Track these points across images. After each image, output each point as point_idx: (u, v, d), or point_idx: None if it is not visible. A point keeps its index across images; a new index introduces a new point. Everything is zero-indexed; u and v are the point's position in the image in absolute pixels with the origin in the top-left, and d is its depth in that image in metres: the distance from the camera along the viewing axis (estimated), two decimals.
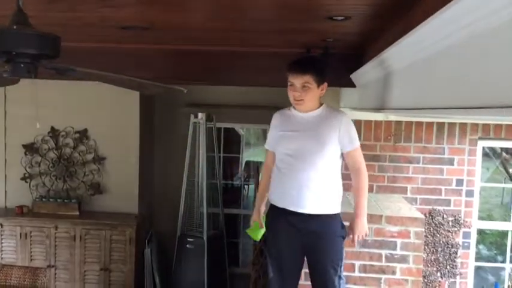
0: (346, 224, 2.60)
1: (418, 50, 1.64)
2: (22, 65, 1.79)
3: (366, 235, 2.56)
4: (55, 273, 5.10)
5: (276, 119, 2.64)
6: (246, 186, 7.08)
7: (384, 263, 3.18)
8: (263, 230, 2.69)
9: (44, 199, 5.31)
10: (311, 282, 2.59)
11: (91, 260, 5.10)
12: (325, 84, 2.45)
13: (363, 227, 2.51)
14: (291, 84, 2.44)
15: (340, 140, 2.44)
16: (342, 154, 2.51)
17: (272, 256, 2.62)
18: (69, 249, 5.09)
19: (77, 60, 2.10)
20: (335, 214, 2.49)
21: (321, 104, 2.52)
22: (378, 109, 2.51)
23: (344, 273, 2.67)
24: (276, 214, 2.56)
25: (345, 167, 2.58)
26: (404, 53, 1.83)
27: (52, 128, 5.34)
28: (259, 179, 2.87)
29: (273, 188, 2.60)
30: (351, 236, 2.51)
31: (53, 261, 5.09)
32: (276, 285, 2.60)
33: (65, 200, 5.28)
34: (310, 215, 2.44)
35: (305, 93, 2.41)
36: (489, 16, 1.11)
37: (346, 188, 2.62)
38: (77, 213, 5.23)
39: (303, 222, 2.45)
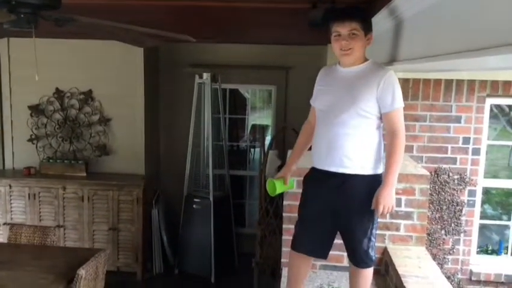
0: None
1: None
2: (22, 16, 1.76)
3: (393, 208, 2.31)
4: (64, 233, 5.20)
5: (320, 73, 2.51)
6: (251, 149, 7.10)
7: (388, 220, 3.20)
8: (283, 188, 2.58)
9: (51, 160, 5.36)
10: (343, 241, 2.51)
11: (99, 220, 5.18)
12: (372, 34, 2.28)
13: (390, 198, 2.26)
14: (337, 34, 2.25)
15: (379, 99, 2.24)
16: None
17: (301, 215, 2.55)
18: (78, 209, 5.18)
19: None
20: (369, 175, 2.34)
21: (367, 60, 2.33)
22: (389, 62, 2.45)
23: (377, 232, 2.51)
24: (311, 173, 2.49)
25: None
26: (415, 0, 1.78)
27: (57, 89, 5.33)
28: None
29: (311, 146, 2.53)
30: (376, 207, 2.29)
31: (62, 221, 5.19)
32: (300, 242, 2.53)
33: (72, 161, 5.33)
34: (339, 174, 2.33)
35: (354, 41, 2.22)
36: None
37: None
38: (84, 174, 5.29)
39: (332, 181, 2.35)
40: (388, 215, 3.15)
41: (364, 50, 2.30)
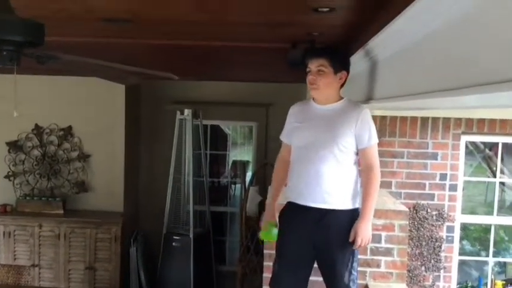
0: None
1: (402, 37, 1.67)
2: (5, 53, 1.77)
3: (369, 241, 2.39)
4: (39, 273, 5.05)
5: (293, 109, 2.57)
6: (232, 185, 7.09)
7: (368, 256, 3.19)
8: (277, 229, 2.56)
9: (28, 197, 5.27)
10: (322, 277, 2.50)
11: (76, 258, 5.06)
12: (344, 73, 2.37)
13: (367, 231, 2.35)
14: (309, 70, 2.38)
15: (356, 136, 2.34)
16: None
17: (280, 251, 2.54)
18: (54, 248, 5.06)
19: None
20: (349, 210, 2.40)
21: (342, 98, 2.43)
22: (366, 101, 2.52)
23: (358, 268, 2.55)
24: (289, 208, 2.50)
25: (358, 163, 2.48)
26: (389, 42, 1.85)
27: (36, 125, 5.29)
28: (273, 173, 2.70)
29: (288, 182, 2.54)
30: (354, 240, 2.35)
31: (37, 260, 5.05)
32: (281, 280, 2.51)
33: (49, 199, 5.24)
34: (320, 210, 2.37)
35: (320, 77, 2.34)
36: (462, 1, 1.14)
37: None
38: (62, 211, 5.19)
39: (312, 216, 2.38)
40: (369, 252, 3.19)
41: (337, 88, 2.40)
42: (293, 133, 2.51)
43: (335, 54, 2.40)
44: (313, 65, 2.36)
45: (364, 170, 2.41)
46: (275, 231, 2.55)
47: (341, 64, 2.38)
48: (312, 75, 2.37)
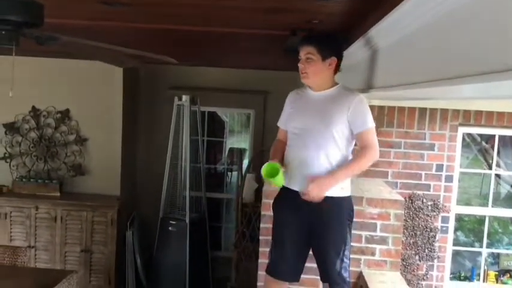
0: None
1: (402, 26, 1.67)
2: (3, 32, 1.76)
3: (317, 199, 2.32)
4: (35, 254, 5.07)
5: (290, 96, 2.59)
6: (229, 172, 7.10)
7: (363, 244, 3.22)
8: (282, 178, 2.38)
9: (24, 179, 5.26)
10: (316, 263, 2.53)
11: (72, 241, 5.08)
12: (334, 59, 2.37)
13: (321, 190, 2.30)
14: (299, 58, 2.41)
15: (350, 121, 2.34)
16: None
17: (276, 238, 2.57)
18: (50, 230, 5.07)
19: None
20: (341, 197, 2.41)
21: (336, 84, 2.44)
22: (364, 90, 2.52)
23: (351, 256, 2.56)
24: (283, 194, 2.52)
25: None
26: (389, 31, 1.85)
27: (33, 107, 5.27)
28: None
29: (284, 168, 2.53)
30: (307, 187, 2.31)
31: (33, 241, 5.07)
32: (277, 267, 2.55)
33: (46, 181, 5.24)
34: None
35: (308, 65, 2.36)
36: None
37: None
38: (58, 194, 5.19)
39: (305, 202, 2.37)
40: (364, 240, 3.21)
41: (328, 75, 2.39)
42: (288, 120, 2.52)
43: (322, 41, 2.40)
44: (302, 53, 2.39)
45: (362, 148, 2.39)
46: (280, 174, 2.36)
47: (330, 50, 2.38)
48: (301, 63, 2.39)
